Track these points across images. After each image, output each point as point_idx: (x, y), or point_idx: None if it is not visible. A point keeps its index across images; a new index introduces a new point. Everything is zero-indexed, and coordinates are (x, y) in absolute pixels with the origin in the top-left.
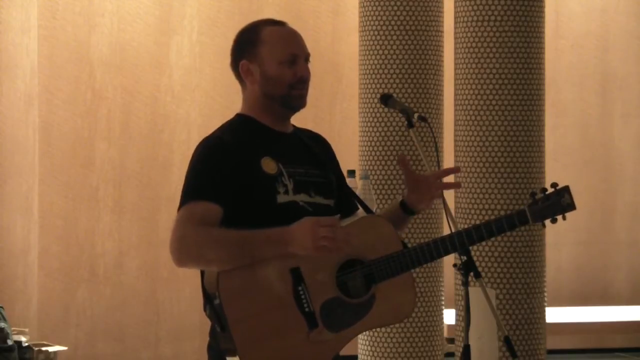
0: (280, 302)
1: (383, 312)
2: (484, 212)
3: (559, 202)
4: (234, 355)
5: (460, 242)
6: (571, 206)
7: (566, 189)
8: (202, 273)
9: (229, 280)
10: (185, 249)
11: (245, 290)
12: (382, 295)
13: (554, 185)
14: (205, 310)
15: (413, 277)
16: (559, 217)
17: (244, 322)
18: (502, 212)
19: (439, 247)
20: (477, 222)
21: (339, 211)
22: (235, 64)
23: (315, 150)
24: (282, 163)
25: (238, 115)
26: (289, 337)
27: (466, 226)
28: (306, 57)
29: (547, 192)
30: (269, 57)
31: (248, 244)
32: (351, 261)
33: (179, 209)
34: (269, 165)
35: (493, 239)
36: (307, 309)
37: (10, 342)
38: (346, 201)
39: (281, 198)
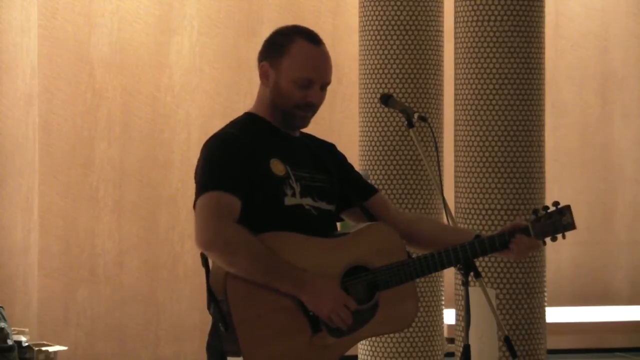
0: (286, 306)
1: (385, 320)
2: (483, 212)
3: (560, 220)
4: (237, 355)
5: (464, 254)
6: (571, 225)
7: (567, 208)
8: (207, 271)
9: (237, 282)
10: (221, 242)
11: (252, 292)
12: (385, 303)
13: (555, 203)
14: (209, 309)
15: (416, 286)
16: (559, 236)
17: (249, 323)
18: (502, 212)
19: (442, 259)
20: (477, 221)
21: (351, 202)
22: (258, 60)
23: (319, 156)
24: (289, 166)
25: (247, 114)
26: (293, 340)
27: (466, 226)
28: (324, 84)
29: (549, 210)
30: (286, 71)
31: (273, 271)
32: (356, 267)
33: (200, 193)
34: (277, 167)
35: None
36: (311, 313)
37: (10, 342)
38: (363, 188)
39: (289, 200)
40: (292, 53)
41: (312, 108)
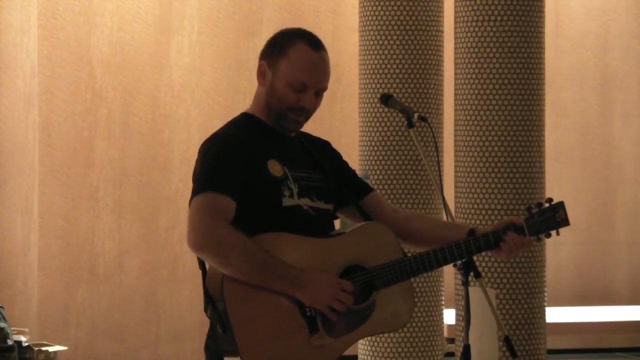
0: (283, 306)
1: (382, 320)
2: (483, 212)
3: (554, 217)
4: (234, 355)
5: (459, 252)
6: (565, 221)
7: (561, 204)
8: (204, 274)
9: (233, 283)
10: (213, 242)
11: (248, 293)
12: (382, 303)
13: (549, 200)
14: (206, 311)
15: (413, 285)
16: (553, 233)
17: (247, 325)
18: (502, 212)
19: (438, 257)
20: (477, 222)
21: (351, 199)
22: (259, 59)
23: (316, 155)
24: (287, 166)
25: (244, 115)
26: (291, 340)
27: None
28: (319, 90)
29: (542, 207)
30: (282, 73)
31: (267, 270)
32: (352, 267)
33: (195, 194)
34: (274, 168)
35: None
36: (308, 314)
37: (10, 342)
38: (358, 187)
39: (286, 201)
40: (290, 55)
41: (304, 112)
